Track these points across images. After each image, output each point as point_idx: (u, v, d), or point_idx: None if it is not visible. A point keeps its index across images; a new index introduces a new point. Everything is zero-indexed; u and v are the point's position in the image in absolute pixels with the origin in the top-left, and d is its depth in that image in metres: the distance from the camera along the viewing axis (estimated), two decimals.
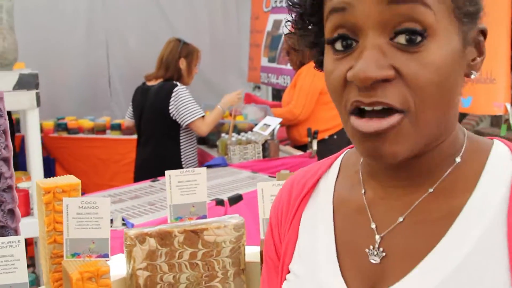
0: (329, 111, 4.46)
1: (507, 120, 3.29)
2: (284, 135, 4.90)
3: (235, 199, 3.19)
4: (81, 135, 5.64)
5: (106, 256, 1.42)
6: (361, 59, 0.74)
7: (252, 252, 1.58)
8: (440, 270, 0.77)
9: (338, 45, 0.78)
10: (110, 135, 5.63)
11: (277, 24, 5.95)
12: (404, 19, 0.73)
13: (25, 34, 4.78)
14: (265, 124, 4.26)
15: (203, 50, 4.57)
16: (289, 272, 0.97)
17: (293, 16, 0.89)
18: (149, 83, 4.43)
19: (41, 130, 5.30)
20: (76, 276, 1.36)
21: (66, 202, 1.39)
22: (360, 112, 0.76)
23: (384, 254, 0.84)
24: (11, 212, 1.37)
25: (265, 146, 4.29)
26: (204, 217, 1.61)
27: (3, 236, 1.35)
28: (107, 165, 5.50)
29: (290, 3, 0.87)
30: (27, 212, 3.02)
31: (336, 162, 1.00)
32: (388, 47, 0.74)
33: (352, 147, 0.99)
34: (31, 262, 3.68)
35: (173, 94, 4.19)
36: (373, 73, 0.73)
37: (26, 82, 2.99)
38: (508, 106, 3.17)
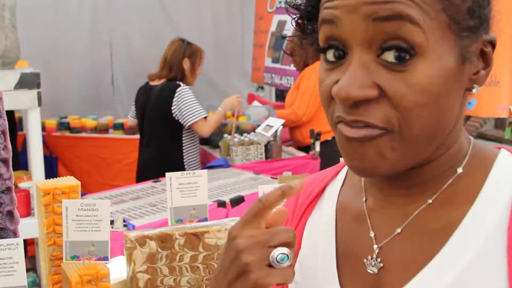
0: None
1: (511, 123, 3.28)
2: (287, 136, 4.89)
3: (237, 201, 3.17)
4: (83, 134, 5.64)
5: (105, 259, 1.41)
6: (345, 75, 0.72)
7: None
8: (436, 283, 0.75)
9: (330, 55, 0.76)
10: (113, 134, 5.63)
11: (281, 24, 5.94)
12: (390, 37, 0.70)
13: (29, 33, 4.79)
14: (268, 125, 4.25)
15: (207, 50, 4.57)
16: None
17: (294, 18, 0.88)
18: (152, 83, 4.42)
19: (44, 129, 5.32)
20: (75, 279, 1.35)
21: (66, 204, 1.37)
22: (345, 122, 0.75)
23: (381, 264, 0.82)
24: (10, 214, 1.36)
25: (267, 147, 4.28)
26: (205, 219, 1.59)
27: (2, 238, 1.34)
28: (109, 164, 5.50)
29: (288, 6, 0.86)
30: (28, 212, 3.01)
31: (343, 170, 0.98)
32: (374, 65, 0.72)
33: None
34: (32, 262, 3.67)
35: (176, 94, 4.18)
36: (354, 93, 0.71)
37: (27, 82, 2.99)
38: None
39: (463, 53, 0.74)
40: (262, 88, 7.13)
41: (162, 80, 4.35)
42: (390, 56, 0.71)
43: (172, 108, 4.18)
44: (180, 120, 4.21)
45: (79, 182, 1.47)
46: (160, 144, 4.31)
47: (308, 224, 0.96)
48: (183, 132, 4.29)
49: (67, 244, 1.39)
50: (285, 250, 0.75)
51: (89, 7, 6.22)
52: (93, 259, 1.40)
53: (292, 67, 5.20)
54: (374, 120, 0.72)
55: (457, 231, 0.77)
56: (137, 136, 4.73)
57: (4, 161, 1.34)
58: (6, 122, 1.36)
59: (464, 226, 0.77)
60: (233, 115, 4.64)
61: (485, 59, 0.77)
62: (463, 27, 0.73)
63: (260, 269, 0.74)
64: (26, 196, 3.02)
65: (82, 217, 1.38)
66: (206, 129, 4.23)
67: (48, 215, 1.42)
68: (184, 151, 4.31)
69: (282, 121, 4.28)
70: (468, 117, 6.53)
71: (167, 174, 1.57)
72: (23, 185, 3.15)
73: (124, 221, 2.78)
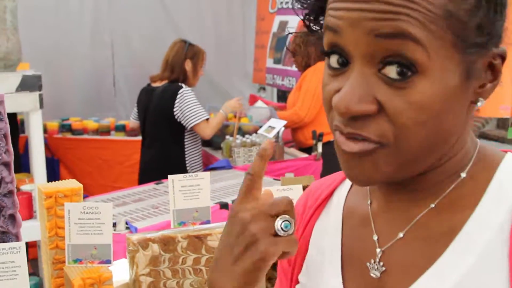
0: None
1: None
2: (289, 137, 4.88)
3: None
4: (85, 136, 5.63)
5: (108, 262, 1.40)
6: (345, 87, 0.71)
7: None
8: None
9: (334, 61, 0.75)
10: (115, 136, 5.62)
11: (282, 25, 5.93)
12: (391, 54, 0.69)
13: (30, 34, 4.79)
14: (269, 126, 4.24)
15: (208, 51, 4.56)
16: (298, 282, 0.96)
17: (301, 17, 0.87)
18: (154, 84, 4.42)
19: (46, 131, 5.31)
20: (78, 282, 1.34)
21: (68, 207, 1.37)
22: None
23: (384, 268, 0.82)
24: (12, 217, 1.35)
25: None
26: (208, 222, 1.59)
27: (4, 242, 1.33)
28: (111, 166, 5.49)
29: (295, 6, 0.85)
30: (30, 215, 3.01)
31: None
32: (375, 78, 0.71)
33: None
34: (34, 265, 3.67)
35: (178, 95, 4.17)
36: (353, 107, 0.70)
37: (29, 84, 2.98)
38: None
39: (469, 69, 0.72)
40: (264, 89, 7.13)
41: (164, 82, 4.35)
42: (392, 71, 0.69)
43: (174, 109, 4.18)
44: (182, 122, 4.20)
45: (81, 185, 1.46)
46: (162, 146, 4.30)
47: (316, 227, 0.96)
48: (185, 134, 4.29)
49: (70, 248, 1.38)
50: (287, 217, 0.77)
51: (90, 8, 6.22)
52: (95, 262, 1.40)
53: (294, 68, 5.19)
54: (369, 134, 0.71)
55: (459, 236, 0.76)
56: (139, 138, 4.73)
57: (6, 165, 1.34)
58: (8, 125, 1.35)
59: (466, 230, 0.76)
60: (235, 116, 4.64)
61: (493, 72, 0.75)
62: (470, 43, 0.70)
63: (268, 237, 0.76)
64: (28, 198, 3.02)
65: (84, 220, 1.37)
66: (208, 131, 4.23)
67: (51, 218, 1.42)
68: (186, 152, 4.31)
69: (284, 122, 4.27)
70: None
71: (169, 176, 1.57)
72: (25, 187, 3.15)
73: (126, 223, 2.78)
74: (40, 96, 3.01)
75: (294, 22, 5.65)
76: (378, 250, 0.83)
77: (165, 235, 1.48)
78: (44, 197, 1.40)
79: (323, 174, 4.11)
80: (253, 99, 5.75)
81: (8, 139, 1.34)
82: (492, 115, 4.08)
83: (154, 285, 1.47)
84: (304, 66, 4.64)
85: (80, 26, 6.16)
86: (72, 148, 5.55)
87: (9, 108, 1.37)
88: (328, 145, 4.37)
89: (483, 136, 6.58)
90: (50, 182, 1.49)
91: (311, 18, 0.85)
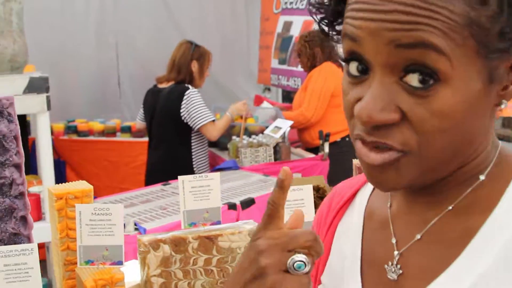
0: (341, 113, 4.36)
1: None
2: (296, 137, 4.87)
3: (248, 203, 3.16)
4: (91, 138, 5.65)
5: (120, 263, 1.40)
6: (367, 96, 0.71)
7: None
8: None
9: (353, 69, 0.74)
10: (120, 137, 5.63)
11: (287, 25, 5.93)
12: (413, 63, 0.68)
13: (35, 36, 4.79)
14: (276, 126, 4.23)
15: (213, 52, 4.56)
16: (320, 283, 0.96)
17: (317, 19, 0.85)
18: (160, 86, 4.42)
19: (51, 133, 5.31)
20: (90, 283, 1.34)
21: (79, 209, 1.37)
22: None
23: (401, 271, 0.82)
24: (24, 219, 1.35)
25: (276, 149, 4.27)
26: (218, 223, 1.59)
27: (16, 243, 1.33)
28: (117, 167, 5.50)
29: (313, 5, 0.83)
30: (39, 217, 3.01)
31: None
32: (396, 87, 0.70)
33: None
34: (42, 266, 3.67)
35: (185, 97, 4.17)
36: (376, 116, 0.70)
37: (36, 86, 2.98)
38: None
39: (491, 74, 0.71)
40: (269, 89, 7.12)
41: (171, 83, 4.35)
42: (414, 79, 0.69)
43: (181, 110, 4.18)
44: (189, 123, 4.20)
45: (91, 187, 1.46)
46: (169, 147, 4.30)
47: (339, 228, 0.96)
48: (192, 135, 4.29)
49: (81, 249, 1.38)
50: (303, 257, 0.73)
51: (95, 10, 6.23)
52: (107, 264, 1.39)
53: (299, 68, 5.19)
54: (392, 142, 0.71)
55: (476, 237, 0.75)
56: (145, 139, 4.73)
57: (17, 166, 1.34)
58: (18, 127, 1.35)
59: (482, 233, 0.75)
60: (241, 117, 4.63)
61: None
62: (493, 49, 0.69)
63: (276, 273, 0.73)
64: (37, 200, 3.03)
65: (95, 221, 1.37)
66: (215, 133, 4.24)
67: (61, 220, 1.42)
68: (193, 153, 4.31)
69: (290, 122, 4.27)
70: None
71: (179, 177, 1.57)
72: (33, 189, 3.16)
73: (135, 224, 2.78)
74: (48, 98, 3.01)
75: (298, 23, 5.64)
76: (395, 252, 0.83)
77: (176, 236, 1.47)
78: (55, 198, 1.40)
79: (330, 174, 4.10)
80: (258, 100, 5.74)
81: (19, 141, 1.33)
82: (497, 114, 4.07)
83: (166, 286, 1.46)
84: (309, 67, 4.64)
85: (85, 27, 6.18)
86: (78, 149, 5.57)
87: (17, 110, 1.37)
88: (334, 145, 4.37)
89: None
90: (59, 184, 1.49)
91: (327, 22, 0.84)
